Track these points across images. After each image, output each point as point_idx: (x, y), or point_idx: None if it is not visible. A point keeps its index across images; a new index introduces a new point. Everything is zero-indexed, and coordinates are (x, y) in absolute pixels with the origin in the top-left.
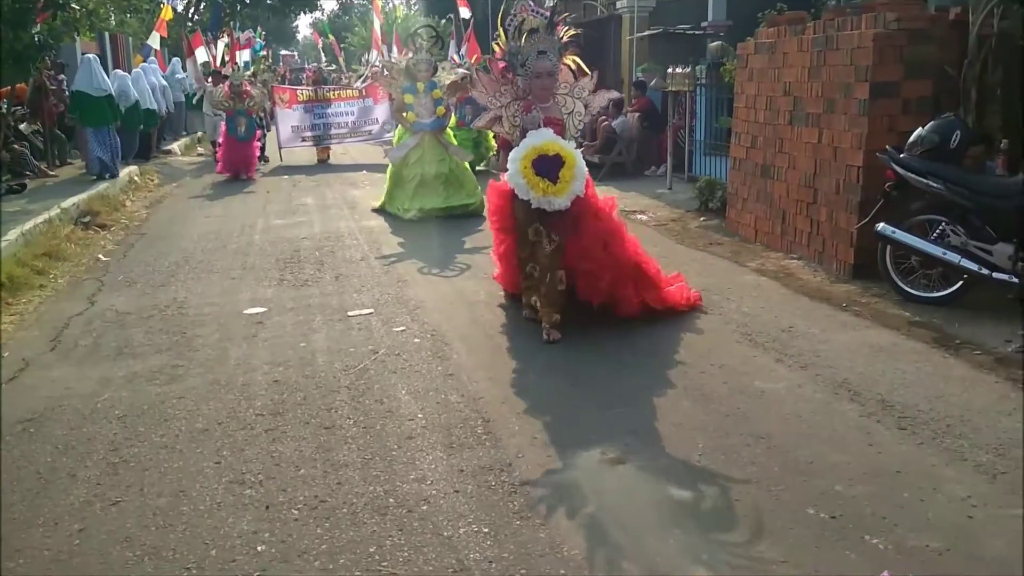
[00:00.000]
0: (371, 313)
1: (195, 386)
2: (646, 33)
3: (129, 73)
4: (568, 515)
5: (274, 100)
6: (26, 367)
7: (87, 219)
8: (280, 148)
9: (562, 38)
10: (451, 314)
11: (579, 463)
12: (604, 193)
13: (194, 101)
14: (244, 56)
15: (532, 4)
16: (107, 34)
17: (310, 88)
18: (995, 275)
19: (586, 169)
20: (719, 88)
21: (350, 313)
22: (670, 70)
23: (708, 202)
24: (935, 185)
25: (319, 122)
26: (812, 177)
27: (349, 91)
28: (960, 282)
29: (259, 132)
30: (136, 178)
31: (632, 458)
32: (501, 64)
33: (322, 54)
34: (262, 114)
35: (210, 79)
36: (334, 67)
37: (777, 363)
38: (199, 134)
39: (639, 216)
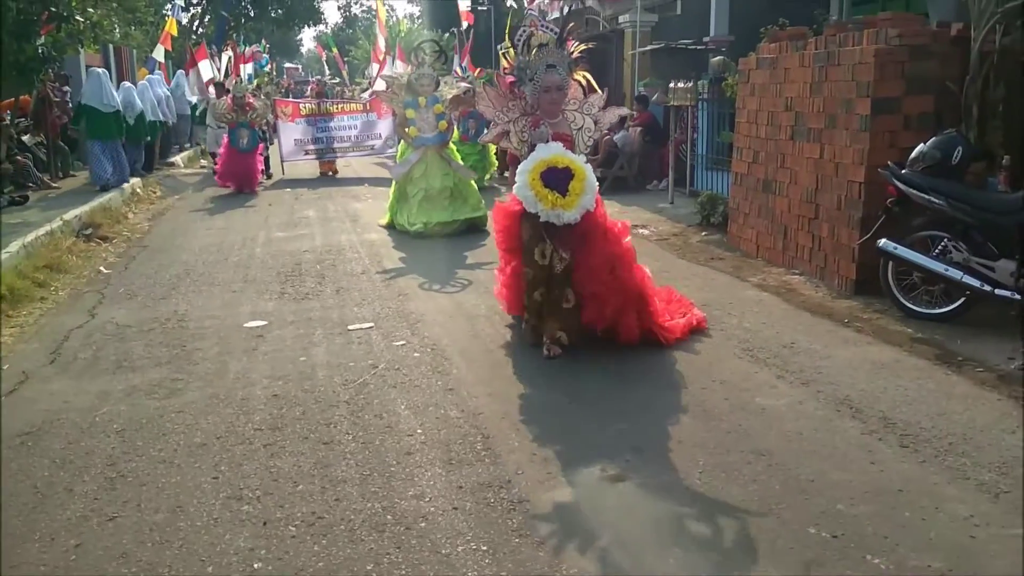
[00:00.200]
0: (371, 327)
1: (194, 400)
2: (648, 48)
3: (133, 84)
4: (567, 533)
5: (276, 113)
6: (25, 380)
7: (89, 231)
8: (283, 161)
9: (572, 53)
10: (451, 328)
11: (579, 480)
12: (607, 207)
13: (198, 113)
14: (247, 69)
15: (542, 19)
16: (111, 46)
17: (313, 102)
18: (997, 292)
19: (596, 184)
20: (721, 103)
21: (350, 327)
22: (672, 85)
23: (710, 217)
24: (937, 201)
25: (322, 135)
26: (814, 192)
27: (353, 105)
28: (962, 299)
29: (262, 146)
30: (139, 190)
31: (632, 475)
32: (509, 78)
33: (326, 67)
34: (265, 127)
35: (212, 91)
36: (338, 80)
37: (778, 379)
38: (202, 146)
39: (641, 230)
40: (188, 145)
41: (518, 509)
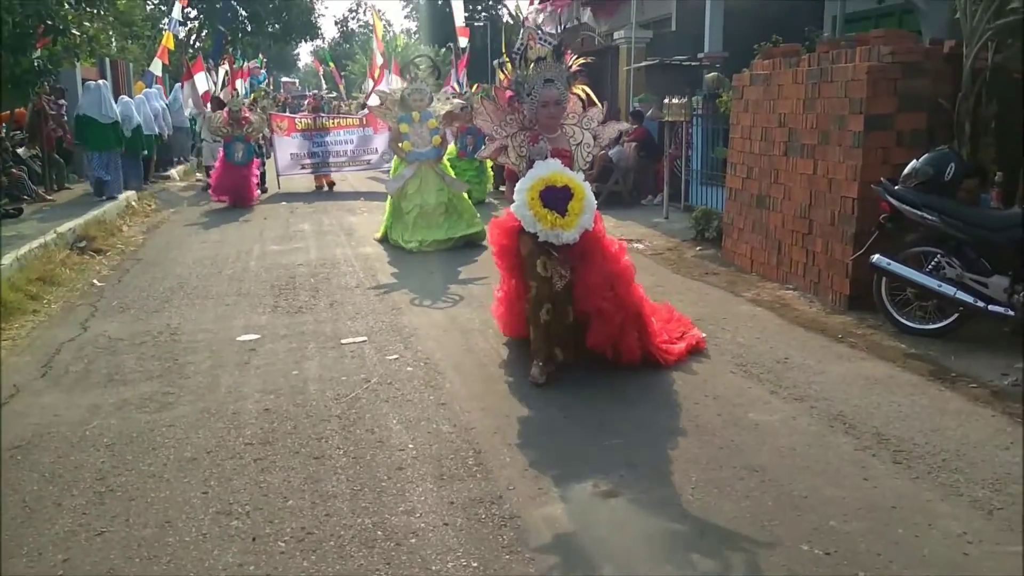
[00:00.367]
0: (364, 341)
1: (185, 414)
2: (643, 64)
3: (130, 97)
4: (558, 549)
5: (272, 128)
6: (16, 393)
7: (83, 244)
8: (278, 175)
9: (571, 67)
10: (445, 342)
11: (571, 496)
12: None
13: (197, 127)
14: (243, 83)
15: (540, 32)
16: (108, 60)
17: (309, 116)
18: (991, 308)
19: (595, 203)
20: (715, 119)
21: (343, 341)
22: (666, 100)
23: (704, 232)
24: (930, 217)
25: (318, 150)
26: (807, 208)
27: (349, 120)
28: (956, 314)
29: (257, 161)
30: (134, 203)
31: (625, 491)
32: (507, 93)
33: (323, 81)
34: (261, 141)
35: (208, 105)
36: (335, 94)
37: (772, 395)
38: (199, 159)
39: (635, 245)
40: (191, 158)
41: (509, 525)
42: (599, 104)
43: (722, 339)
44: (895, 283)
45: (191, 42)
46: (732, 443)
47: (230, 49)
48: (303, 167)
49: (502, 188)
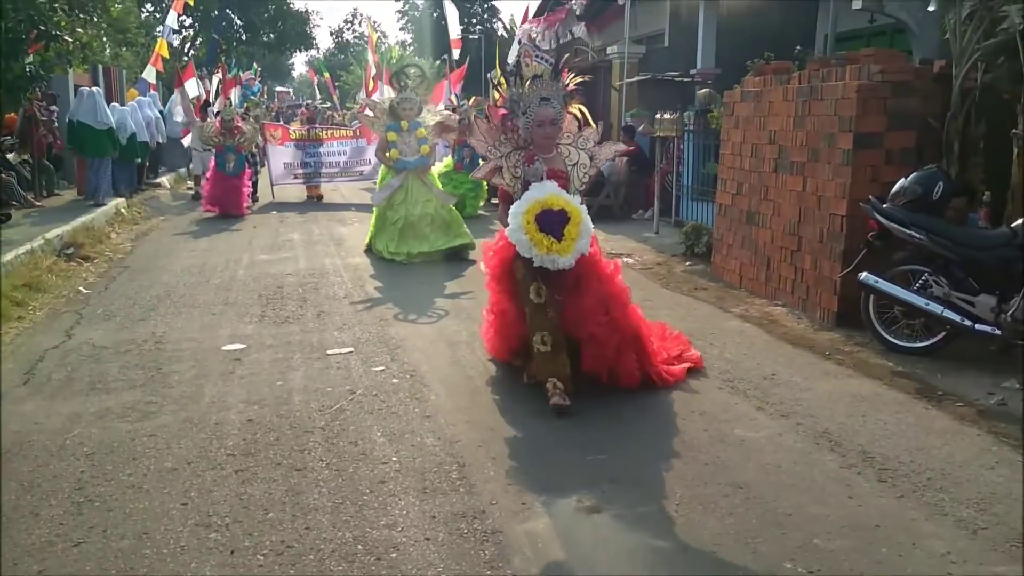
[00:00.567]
0: (351, 352)
1: (167, 424)
2: (635, 79)
3: (121, 105)
4: (540, 565)
5: (266, 137)
6: None
7: (71, 251)
8: (272, 185)
9: (567, 85)
10: (432, 354)
11: (554, 511)
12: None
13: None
14: (236, 93)
15: (536, 50)
16: (100, 66)
17: (303, 127)
18: (977, 327)
19: (592, 228)
20: (706, 134)
21: (329, 351)
22: (658, 116)
23: (694, 247)
24: (918, 236)
25: (311, 160)
26: (796, 225)
27: (343, 131)
28: (943, 333)
29: (249, 171)
30: (123, 210)
31: (608, 507)
32: (501, 111)
33: (317, 91)
34: (254, 151)
35: (198, 114)
36: (329, 104)
37: (758, 411)
38: (190, 168)
39: (625, 259)
40: (184, 169)
41: (491, 540)
42: (594, 125)
43: (710, 355)
44: (883, 301)
45: (185, 50)
46: (717, 459)
47: (223, 58)
48: (296, 177)
49: (494, 200)
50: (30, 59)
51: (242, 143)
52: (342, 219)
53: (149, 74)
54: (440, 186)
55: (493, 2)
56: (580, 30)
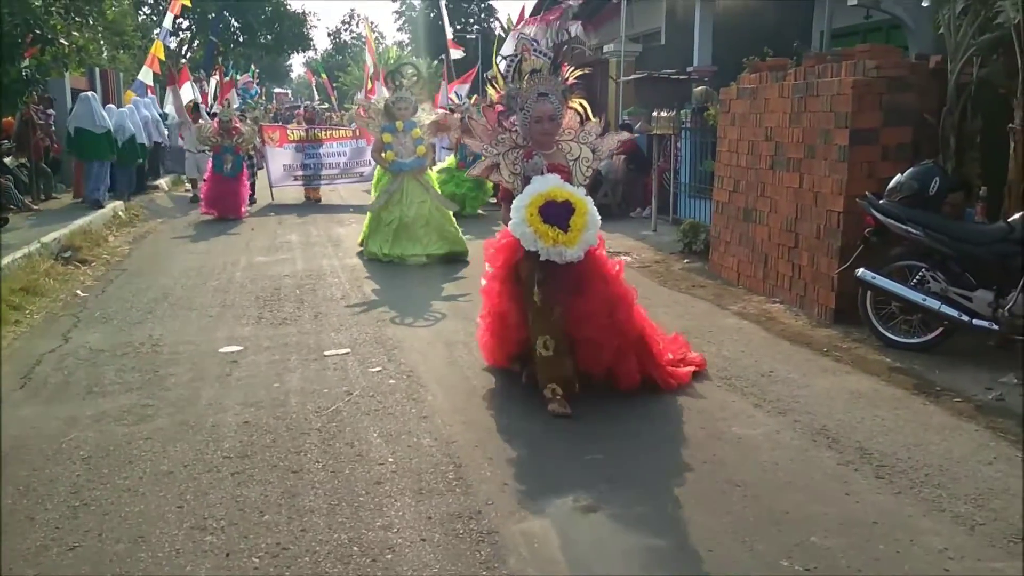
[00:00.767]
0: (348, 353)
1: (163, 427)
2: (632, 77)
3: (117, 107)
4: (536, 565)
5: (264, 139)
6: None
7: (68, 254)
8: (272, 187)
9: (567, 79)
10: (429, 354)
11: (550, 511)
12: None
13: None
14: (234, 95)
15: (535, 44)
16: (97, 69)
17: (301, 128)
18: (975, 322)
19: (599, 219)
20: (703, 132)
21: (326, 353)
22: (655, 114)
23: (692, 244)
24: (914, 231)
25: (310, 161)
26: (793, 222)
27: (342, 131)
28: (940, 328)
29: (247, 172)
30: (121, 213)
31: (605, 506)
32: (498, 108)
33: (315, 92)
34: (252, 152)
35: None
36: (327, 106)
37: (756, 408)
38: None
39: (623, 257)
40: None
41: (487, 541)
42: (594, 119)
43: (707, 352)
44: (880, 297)
45: (182, 52)
46: (714, 457)
47: (220, 60)
48: (295, 179)
49: (492, 200)
50: (26, 63)
51: (240, 144)
52: (340, 220)
53: (146, 76)
54: (438, 187)
55: (490, 1)
56: (575, 28)
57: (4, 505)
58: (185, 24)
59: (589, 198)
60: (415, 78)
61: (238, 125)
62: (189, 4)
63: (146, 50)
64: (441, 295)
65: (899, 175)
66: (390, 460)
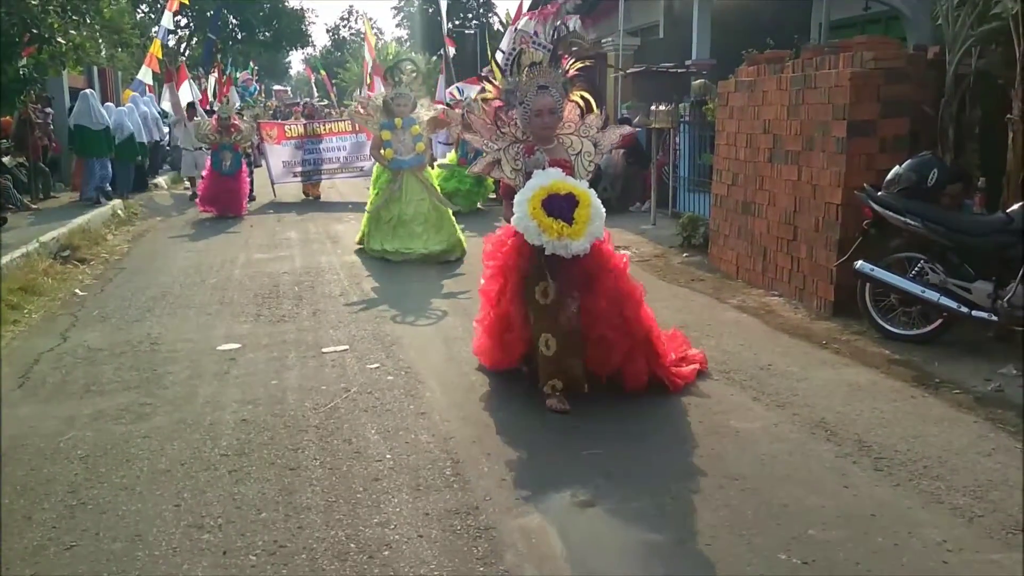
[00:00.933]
0: (346, 350)
1: (161, 425)
2: (630, 71)
3: (116, 105)
4: (534, 561)
5: (262, 136)
6: None
7: (67, 253)
8: (273, 184)
9: (567, 72)
10: (427, 351)
11: (548, 506)
12: None
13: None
14: (233, 93)
15: (534, 37)
16: (95, 68)
17: (300, 124)
18: (974, 313)
19: (604, 211)
20: (702, 125)
21: (325, 350)
22: (653, 107)
23: (691, 238)
24: (913, 223)
25: (310, 157)
26: (792, 214)
27: (341, 125)
28: (939, 320)
29: (247, 170)
30: (119, 211)
31: (603, 501)
32: (496, 103)
33: (314, 89)
34: (250, 149)
35: (186, 112)
36: (326, 102)
37: (754, 401)
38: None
39: (623, 251)
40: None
41: (484, 536)
42: (597, 110)
43: (706, 346)
44: (879, 289)
45: (181, 50)
46: (713, 451)
47: (219, 57)
48: (295, 175)
49: (492, 196)
50: (24, 62)
51: (238, 140)
52: (339, 217)
53: (145, 75)
54: (439, 183)
55: None
56: (573, 23)
57: (2, 504)
58: (183, 22)
59: (592, 191)
60: (414, 74)
61: (236, 122)
62: (187, 1)
63: (145, 48)
64: (440, 292)
65: (897, 167)
66: (388, 457)
